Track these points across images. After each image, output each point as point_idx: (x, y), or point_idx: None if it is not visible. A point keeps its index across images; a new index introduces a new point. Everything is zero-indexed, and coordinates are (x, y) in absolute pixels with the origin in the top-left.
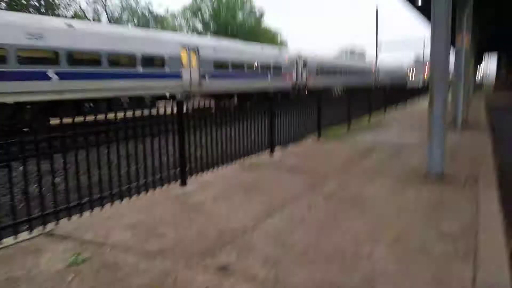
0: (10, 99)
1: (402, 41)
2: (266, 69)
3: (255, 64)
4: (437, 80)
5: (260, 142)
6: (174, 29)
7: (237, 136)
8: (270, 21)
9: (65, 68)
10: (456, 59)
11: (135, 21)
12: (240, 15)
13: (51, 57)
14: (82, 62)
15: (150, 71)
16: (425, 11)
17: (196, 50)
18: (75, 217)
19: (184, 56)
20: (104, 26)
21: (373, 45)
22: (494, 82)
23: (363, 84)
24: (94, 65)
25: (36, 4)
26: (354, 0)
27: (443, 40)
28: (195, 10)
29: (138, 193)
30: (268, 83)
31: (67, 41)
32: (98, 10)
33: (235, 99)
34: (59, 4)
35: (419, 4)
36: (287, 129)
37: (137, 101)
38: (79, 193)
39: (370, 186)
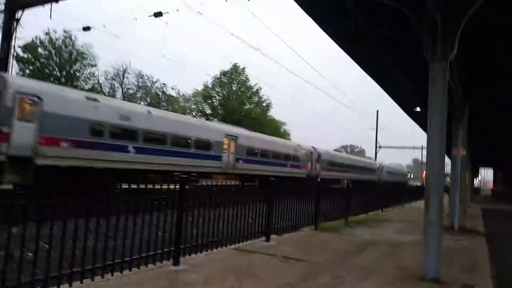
0: (97, 165)
1: (400, 139)
2: (286, 158)
3: (279, 154)
4: (433, 187)
5: (256, 228)
6: (183, 110)
7: (235, 219)
8: (275, 111)
9: (140, 144)
10: (452, 167)
11: (148, 99)
12: (247, 104)
13: (133, 135)
14: (152, 140)
15: (200, 152)
16: (422, 122)
17: (235, 138)
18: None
19: (225, 142)
20: (169, 114)
21: (371, 142)
22: (491, 192)
23: (368, 179)
24: (160, 143)
25: (58, 74)
26: (355, 102)
27: (437, 150)
28: (206, 96)
29: (130, 268)
30: (288, 170)
31: (145, 124)
32: (114, 86)
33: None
34: (79, 77)
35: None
36: (285, 216)
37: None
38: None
39: (366, 283)
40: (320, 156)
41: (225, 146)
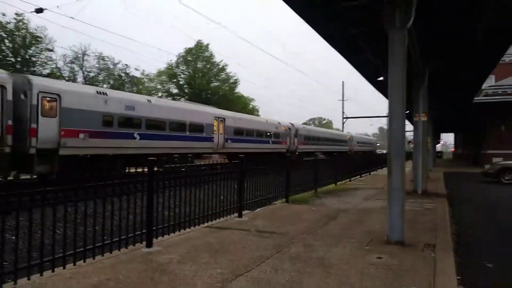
0: (109, 152)
1: (366, 109)
2: (268, 136)
3: (262, 132)
4: (394, 152)
5: (229, 204)
6: (148, 91)
7: (207, 197)
8: (242, 88)
9: (143, 131)
10: (414, 133)
11: (111, 82)
12: (214, 82)
13: (137, 123)
14: (153, 127)
15: (194, 135)
16: (385, 89)
17: (223, 120)
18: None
19: (215, 124)
20: (167, 102)
21: (337, 113)
22: (452, 155)
23: (341, 150)
24: (160, 129)
25: (13, 60)
26: (320, 75)
27: (398, 116)
28: (171, 75)
29: (102, 253)
30: (271, 146)
31: (147, 112)
32: (74, 69)
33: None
34: (36, 61)
35: (380, 79)
36: (256, 192)
37: (182, 158)
38: (41, 251)
39: (335, 249)
40: (297, 131)
41: (215, 128)
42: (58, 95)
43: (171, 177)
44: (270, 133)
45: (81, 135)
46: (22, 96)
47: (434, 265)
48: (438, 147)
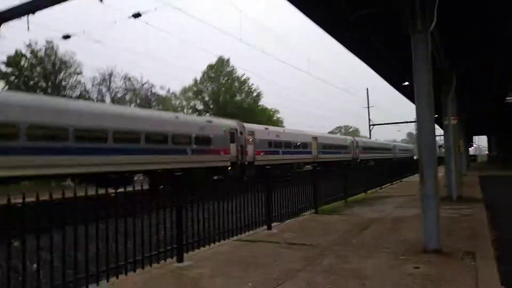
0: (276, 162)
1: (393, 115)
2: (343, 147)
3: (337, 146)
4: (426, 158)
5: (258, 217)
6: (175, 108)
7: (236, 210)
8: (267, 100)
9: (283, 149)
10: (445, 137)
11: (138, 101)
12: (238, 96)
13: (274, 143)
14: (288, 146)
15: (305, 150)
16: (411, 95)
17: (316, 138)
18: None
19: (313, 142)
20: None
21: (363, 119)
22: (487, 157)
23: (387, 157)
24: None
25: (44, 85)
26: (345, 83)
27: (427, 121)
28: (196, 92)
29: (134, 269)
30: (343, 155)
31: (285, 137)
32: (102, 91)
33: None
34: (66, 86)
35: (405, 85)
36: (285, 203)
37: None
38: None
39: (369, 260)
40: (357, 143)
41: (313, 145)
42: (253, 132)
43: (198, 192)
44: (343, 145)
45: (262, 153)
46: (240, 134)
47: (475, 274)
48: (472, 150)
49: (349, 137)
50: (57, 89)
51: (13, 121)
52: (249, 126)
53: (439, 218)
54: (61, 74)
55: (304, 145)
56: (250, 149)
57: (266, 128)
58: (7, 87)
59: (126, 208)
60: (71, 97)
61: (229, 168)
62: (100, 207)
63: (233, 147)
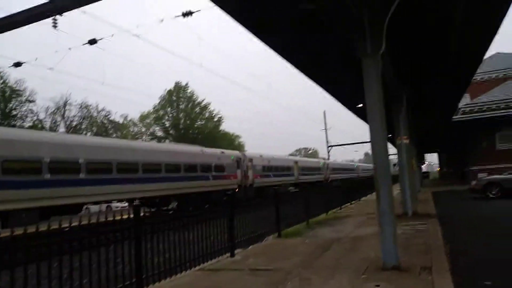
0: (271, 184)
1: (350, 136)
2: (288, 169)
3: (282, 168)
4: (380, 176)
5: (220, 245)
6: (133, 136)
7: (197, 239)
8: (230, 124)
9: (274, 172)
10: (398, 156)
11: (94, 129)
12: (199, 121)
13: (274, 168)
14: (277, 170)
15: (288, 173)
16: (365, 116)
17: (296, 162)
18: None
19: (294, 166)
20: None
21: (321, 141)
22: (438, 174)
23: (351, 178)
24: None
25: None
26: (302, 106)
27: (380, 141)
28: (156, 118)
29: None
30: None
31: (276, 162)
32: (56, 120)
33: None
34: (16, 115)
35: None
36: (247, 229)
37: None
38: None
39: (332, 281)
40: (328, 165)
41: (295, 168)
42: (251, 159)
43: (158, 221)
44: (317, 167)
45: (258, 177)
46: (242, 162)
47: (432, 285)
48: (424, 167)
49: (322, 160)
50: (7, 118)
51: (291, 166)
52: (248, 154)
53: (396, 235)
54: (11, 103)
55: (288, 168)
56: (250, 173)
57: (261, 155)
58: None
59: (81, 242)
60: (22, 126)
61: (236, 190)
62: (53, 242)
63: (239, 172)
